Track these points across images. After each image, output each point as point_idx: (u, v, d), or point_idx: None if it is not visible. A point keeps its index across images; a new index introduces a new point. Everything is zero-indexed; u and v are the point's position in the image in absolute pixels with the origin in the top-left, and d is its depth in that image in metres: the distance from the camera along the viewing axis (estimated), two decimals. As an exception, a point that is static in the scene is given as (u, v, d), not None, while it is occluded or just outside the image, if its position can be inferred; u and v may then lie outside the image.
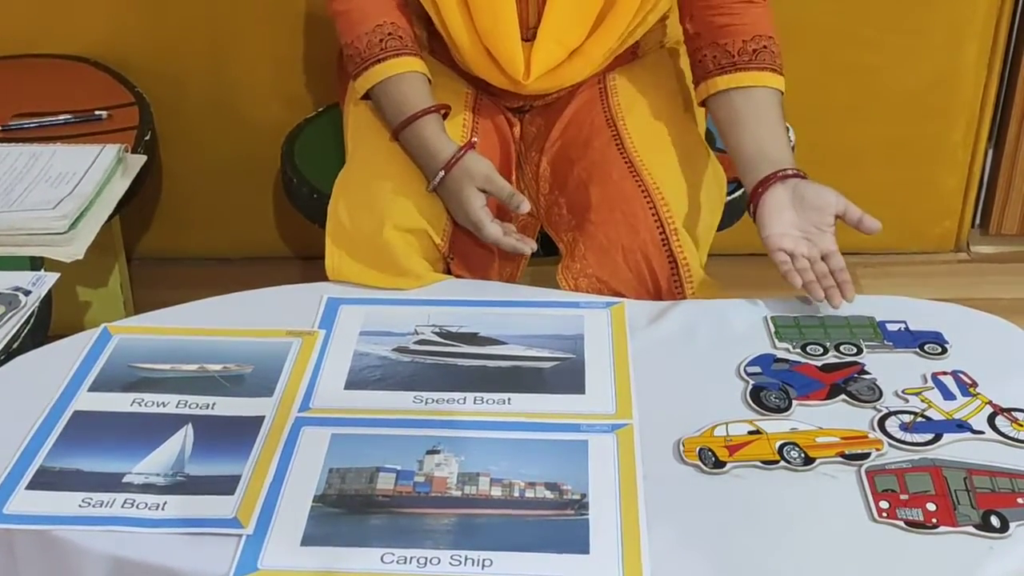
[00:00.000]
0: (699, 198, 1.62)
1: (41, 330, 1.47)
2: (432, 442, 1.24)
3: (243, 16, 2.28)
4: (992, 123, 2.45)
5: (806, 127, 2.11)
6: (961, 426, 1.25)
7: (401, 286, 1.52)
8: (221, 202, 2.45)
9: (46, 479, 1.20)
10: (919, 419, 1.26)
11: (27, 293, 1.49)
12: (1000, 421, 1.26)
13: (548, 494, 1.18)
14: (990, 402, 1.29)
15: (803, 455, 1.21)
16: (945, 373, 1.34)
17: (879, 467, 1.19)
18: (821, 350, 1.38)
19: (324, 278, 1.55)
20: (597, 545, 1.11)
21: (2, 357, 1.39)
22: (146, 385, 1.33)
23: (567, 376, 1.35)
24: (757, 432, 1.25)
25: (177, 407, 1.29)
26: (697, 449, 1.22)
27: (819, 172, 1.57)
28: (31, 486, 1.19)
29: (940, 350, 1.38)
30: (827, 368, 1.35)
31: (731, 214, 1.76)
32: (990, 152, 2.49)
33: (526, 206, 1.54)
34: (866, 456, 1.21)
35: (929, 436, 1.24)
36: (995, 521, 1.13)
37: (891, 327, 1.42)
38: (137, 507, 1.16)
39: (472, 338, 1.42)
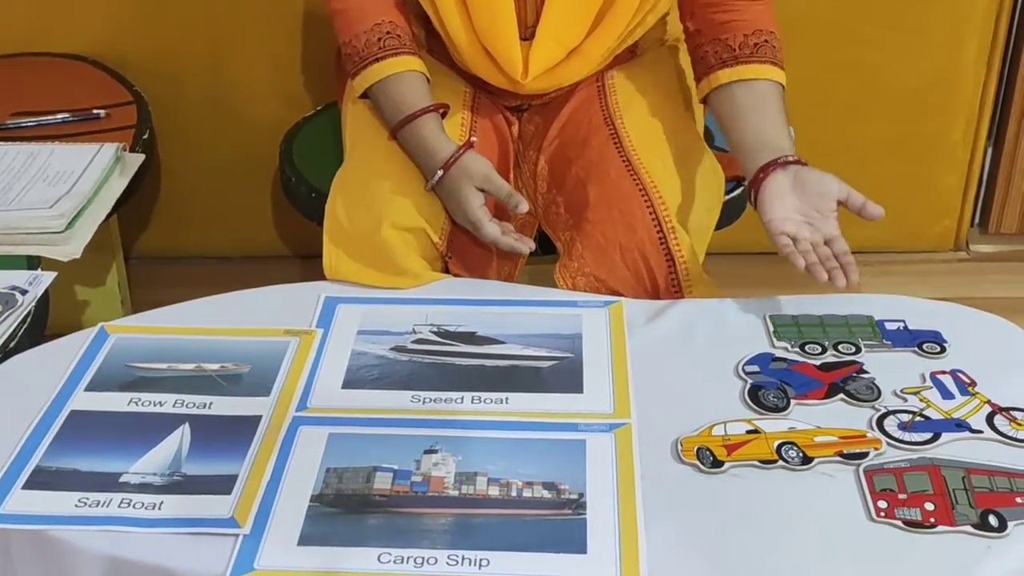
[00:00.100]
0: (697, 197, 1.61)
1: (38, 329, 1.47)
2: (429, 441, 1.24)
3: (241, 15, 2.28)
4: (992, 121, 2.45)
5: (806, 125, 2.10)
6: (960, 425, 1.25)
7: (399, 285, 1.52)
8: (219, 201, 2.45)
9: (42, 479, 1.19)
10: (917, 418, 1.26)
11: (24, 292, 1.49)
12: (999, 420, 1.26)
13: (546, 494, 1.17)
14: (989, 401, 1.29)
15: (801, 454, 1.21)
16: (944, 372, 1.33)
17: (877, 466, 1.19)
18: (820, 349, 1.38)
19: (323, 277, 1.54)
20: (594, 545, 1.11)
21: (-1, 356, 1.39)
22: (143, 384, 1.33)
23: (565, 375, 1.35)
24: (755, 431, 1.24)
25: (174, 407, 1.29)
26: (695, 448, 1.22)
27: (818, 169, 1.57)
28: (27, 486, 1.18)
29: (939, 349, 1.37)
30: (825, 367, 1.35)
31: (729, 213, 1.76)
32: (990, 150, 2.49)
33: (524, 206, 1.54)
34: (864, 455, 1.21)
35: (927, 435, 1.24)
36: (993, 520, 1.12)
37: (890, 326, 1.41)
38: (134, 507, 1.16)
39: (470, 337, 1.42)
